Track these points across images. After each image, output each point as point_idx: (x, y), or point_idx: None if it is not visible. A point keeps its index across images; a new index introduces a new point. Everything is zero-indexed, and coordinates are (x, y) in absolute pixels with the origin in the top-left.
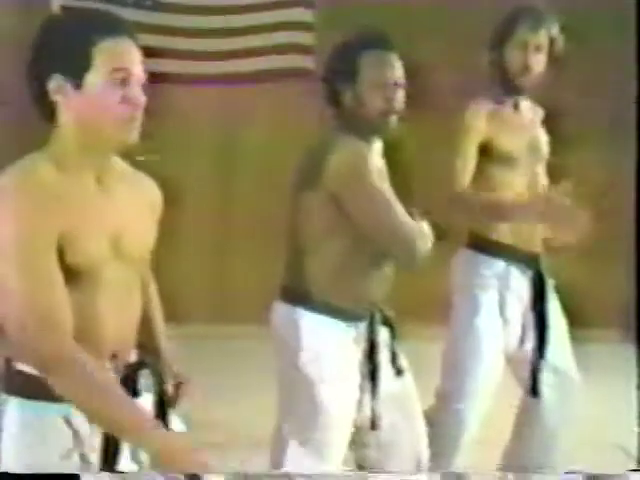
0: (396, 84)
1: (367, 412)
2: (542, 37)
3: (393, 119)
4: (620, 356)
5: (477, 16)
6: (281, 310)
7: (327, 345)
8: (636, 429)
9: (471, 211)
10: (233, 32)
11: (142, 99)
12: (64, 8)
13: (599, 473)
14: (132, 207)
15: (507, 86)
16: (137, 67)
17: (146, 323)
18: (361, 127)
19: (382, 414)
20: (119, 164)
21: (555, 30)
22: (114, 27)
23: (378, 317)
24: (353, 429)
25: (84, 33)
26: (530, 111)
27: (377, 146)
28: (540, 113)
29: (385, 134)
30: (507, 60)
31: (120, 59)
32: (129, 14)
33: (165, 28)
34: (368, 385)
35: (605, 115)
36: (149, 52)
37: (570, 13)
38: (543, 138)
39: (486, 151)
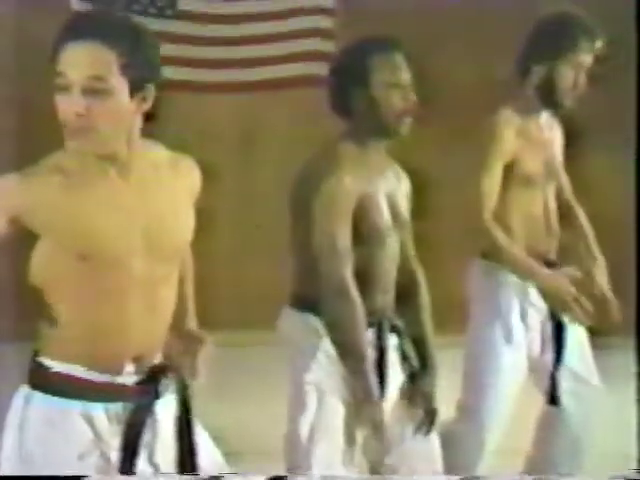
0: (408, 85)
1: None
2: (591, 56)
3: (408, 120)
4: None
5: (499, 22)
6: (291, 317)
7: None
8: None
9: (503, 261)
10: (254, 40)
11: (78, 107)
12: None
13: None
14: (167, 198)
15: (547, 100)
16: (77, 72)
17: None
18: (373, 130)
19: (393, 424)
20: (153, 152)
21: (599, 45)
22: (76, 31)
23: (386, 325)
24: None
25: (57, 37)
26: (549, 127)
27: (382, 146)
28: (558, 128)
29: (398, 135)
30: (557, 76)
31: (61, 63)
32: (150, 23)
33: (186, 37)
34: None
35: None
36: (170, 60)
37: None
38: (558, 156)
39: (509, 171)
